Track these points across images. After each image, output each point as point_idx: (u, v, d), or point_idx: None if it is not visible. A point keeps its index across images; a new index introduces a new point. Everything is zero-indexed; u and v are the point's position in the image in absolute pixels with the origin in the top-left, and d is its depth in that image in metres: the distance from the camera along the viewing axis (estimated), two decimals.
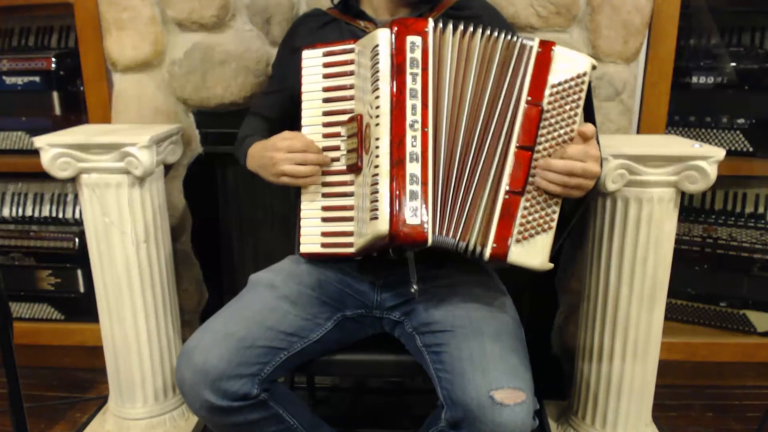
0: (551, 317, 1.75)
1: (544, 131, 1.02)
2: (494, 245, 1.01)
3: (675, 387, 1.85)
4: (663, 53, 1.58)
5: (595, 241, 1.43)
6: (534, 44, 1.04)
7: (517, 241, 1.01)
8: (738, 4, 1.82)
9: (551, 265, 1.03)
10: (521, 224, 1.01)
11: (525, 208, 1.02)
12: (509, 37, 1.05)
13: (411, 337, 1.15)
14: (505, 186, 1.02)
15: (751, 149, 1.80)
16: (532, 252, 1.02)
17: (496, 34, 1.05)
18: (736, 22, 1.79)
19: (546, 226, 1.02)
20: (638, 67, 1.58)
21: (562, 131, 1.02)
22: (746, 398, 1.82)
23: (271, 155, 1.13)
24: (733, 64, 1.76)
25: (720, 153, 1.29)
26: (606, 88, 1.55)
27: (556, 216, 1.03)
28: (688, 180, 1.31)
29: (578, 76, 1.02)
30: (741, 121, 1.79)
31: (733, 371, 1.88)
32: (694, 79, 1.78)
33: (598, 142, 1.04)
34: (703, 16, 1.79)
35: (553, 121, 1.02)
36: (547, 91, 1.02)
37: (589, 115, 1.07)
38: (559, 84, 1.02)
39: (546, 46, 1.03)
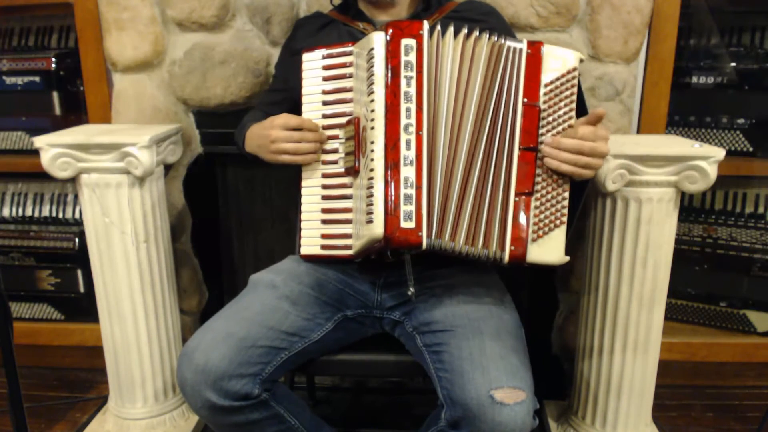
0: (551, 317, 1.75)
1: (544, 130, 1.04)
2: (512, 248, 1.03)
3: (675, 387, 1.85)
4: (663, 53, 1.58)
5: (595, 241, 1.43)
6: (523, 46, 1.04)
7: (533, 240, 1.03)
8: (738, 4, 1.82)
9: (568, 258, 1.05)
10: (535, 223, 1.03)
11: (536, 207, 1.04)
12: (496, 38, 1.05)
13: (411, 336, 1.15)
14: (514, 189, 1.03)
15: (751, 149, 1.80)
16: (549, 249, 1.04)
17: (481, 34, 1.05)
18: (736, 22, 1.79)
19: (558, 222, 1.04)
20: (638, 67, 1.58)
21: (560, 128, 1.04)
22: (746, 398, 1.82)
23: (268, 133, 1.13)
24: (733, 64, 1.77)
25: (720, 153, 1.29)
26: (606, 88, 1.55)
27: (566, 210, 1.05)
28: (688, 180, 1.31)
29: (568, 72, 1.04)
30: (741, 121, 1.79)
31: (733, 371, 1.87)
32: (694, 79, 1.78)
33: None
34: (703, 16, 1.79)
35: (551, 119, 1.04)
36: (542, 91, 1.04)
37: (581, 107, 1.09)
38: (552, 82, 1.04)
39: (535, 47, 1.04)
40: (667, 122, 1.65)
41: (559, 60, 1.04)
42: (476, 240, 1.04)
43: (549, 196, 1.04)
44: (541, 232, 1.03)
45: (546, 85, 1.04)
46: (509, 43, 1.05)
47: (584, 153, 1.01)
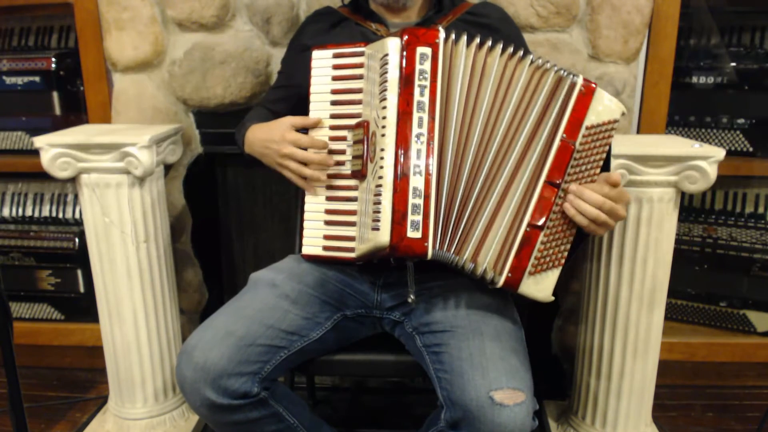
0: (551, 317, 1.75)
1: (572, 170, 1.02)
2: (509, 274, 1.02)
3: (675, 387, 1.85)
4: (663, 53, 1.58)
5: (595, 241, 1.43)
6: (579, 81, 1.02)
7: (530, 273, 1.02)
8: (738, 4, 1.83)
9: (553, 298, 1.05)
10: (536, 257, 1.02)
11: (542, 242, 1.02)
12: (543, 63, 1.04)
13: (411, 337, 1.15)
14: (528, 218, 1.02)
15: (751, 149, 1.80)
16: (541, 285, 1.04)
17: (540, 62, 1.04)
18: (736, 22, 1.79)
19: (557, 263, 1.04)
20: (638, 67, 1.58)
21: (587, 173, 1.03)
22: (746, 398, 1.82)
23: (278, 148, 1.13)
24: (733, 64, 1.77)
25: (720, 153, 1.29)
26: (606, 88, 1.54)
27: (566, 253, 1.04)
28: (688, 180, 1.31)
29: (610, 122, 1.03)
30: (741, 121, 1.79)
31: (733, 371, 1.87)
32: (694, 79, 1.78)
33: None
34: (703, 16, 1.79)
35: (581, 162, 1.03)
36: (582, 132, 1.02)
37: (607, 159, 1.07)
38: (593, 126, 1.02)
39: (589, 87, 1.02)
40: (667, 122, 1.65)
41: (604, 107, 1.02)
42: (480, 258, 1.03)
43: (557, 236, 1.03)
44: (539, 268, 1.03)
45: (587, 128, 1.02)
46: (566, 73, 1.03)
47: (604, 211, 1.00)
